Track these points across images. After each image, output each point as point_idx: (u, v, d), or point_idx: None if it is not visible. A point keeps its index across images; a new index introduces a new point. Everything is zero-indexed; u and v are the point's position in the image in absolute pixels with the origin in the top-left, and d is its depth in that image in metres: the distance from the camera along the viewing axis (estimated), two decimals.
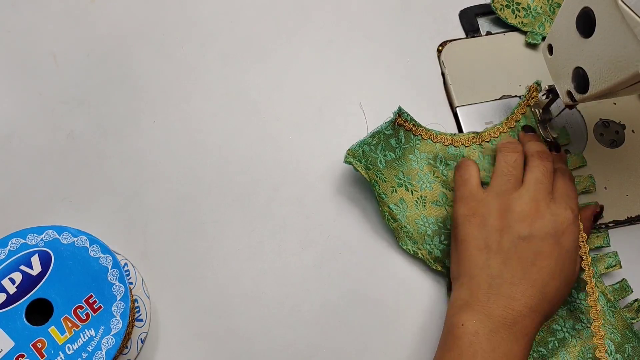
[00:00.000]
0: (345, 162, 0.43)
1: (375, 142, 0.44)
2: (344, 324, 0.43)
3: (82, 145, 0.47)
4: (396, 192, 0.44)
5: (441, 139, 0.45)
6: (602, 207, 0.43)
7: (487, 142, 0.46)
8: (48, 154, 0.47)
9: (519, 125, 0.46)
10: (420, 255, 0.43)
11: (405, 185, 0.44)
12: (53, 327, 0.36)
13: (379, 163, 0.44)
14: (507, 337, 0.35)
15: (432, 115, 0.48)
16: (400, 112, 0.44)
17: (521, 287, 0.37)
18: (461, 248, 0.39)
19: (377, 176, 0.43)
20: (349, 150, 0.43)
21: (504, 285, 0.37)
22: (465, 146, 0.45)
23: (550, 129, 0.46)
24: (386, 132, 0.44)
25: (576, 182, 0.45)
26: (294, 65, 0.50)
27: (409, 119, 0.45)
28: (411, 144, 0.45)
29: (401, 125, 0.45)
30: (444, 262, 0.43)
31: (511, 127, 0.46)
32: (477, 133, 0.46)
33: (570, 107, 0.43)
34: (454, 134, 0.46)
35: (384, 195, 0.43)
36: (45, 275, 0.37)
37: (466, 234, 0.39)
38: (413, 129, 0.45)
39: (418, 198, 0.44)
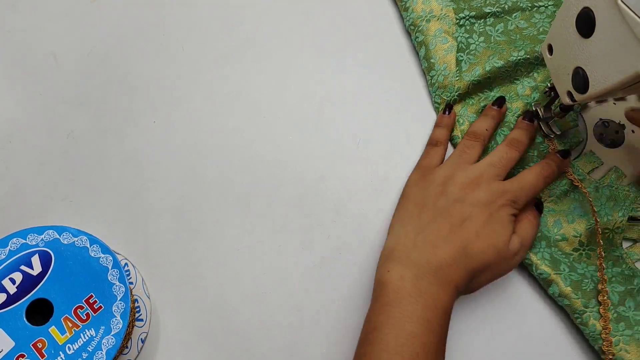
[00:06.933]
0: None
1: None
2: (344, 324, 0.43)
3: (82, 145, 0.47)
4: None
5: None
6: (539, 200, 0.44)
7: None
8: (48, 154, 0.47)
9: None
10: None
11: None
12: (53, 327, 0.36)
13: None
14: (432, 281, 0.37)
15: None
16: None
17: (446, 239, 0.39)
18: (401, 202, 0.43)
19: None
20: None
21: (430, 235, 0.39)
22: None
23: (553, 127, 0.46)
24: None
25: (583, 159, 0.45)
26: (294, 65, 0.50)
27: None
28: None
29: None
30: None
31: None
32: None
33: (569, 107, 0.43)
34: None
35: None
36: (45, 275, 0.38)
37: (409, 192, 0.43)
38: None
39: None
